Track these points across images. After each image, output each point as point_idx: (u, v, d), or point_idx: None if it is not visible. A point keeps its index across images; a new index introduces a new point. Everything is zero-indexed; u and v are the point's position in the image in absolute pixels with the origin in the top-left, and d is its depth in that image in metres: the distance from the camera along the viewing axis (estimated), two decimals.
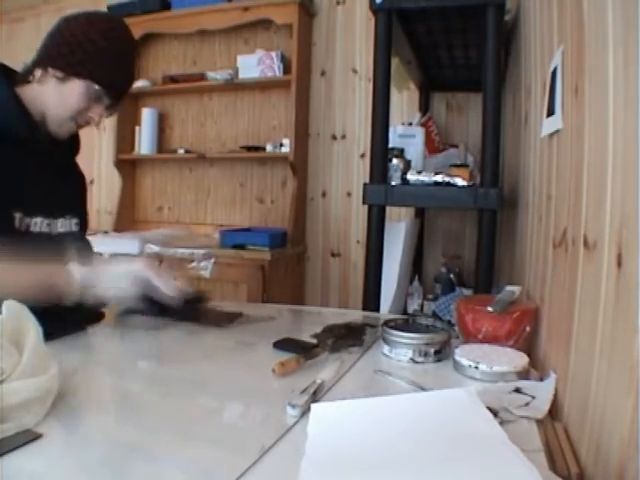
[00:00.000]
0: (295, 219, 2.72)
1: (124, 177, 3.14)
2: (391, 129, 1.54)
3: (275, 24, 2.74)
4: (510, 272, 1.58)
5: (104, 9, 3.02)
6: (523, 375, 0.81)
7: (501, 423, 0.61)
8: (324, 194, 2.84)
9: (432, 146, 2.33)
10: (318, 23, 2.81)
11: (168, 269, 1.18)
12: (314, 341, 0.97)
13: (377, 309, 1.41)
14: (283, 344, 0.96)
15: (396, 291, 1.93)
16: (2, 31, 3.50)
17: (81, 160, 1.24)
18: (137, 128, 3.07)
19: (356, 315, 1.30)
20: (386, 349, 0.93)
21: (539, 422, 0.68)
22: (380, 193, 1.38)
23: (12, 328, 0.64)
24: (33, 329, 0.66)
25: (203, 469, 0.55)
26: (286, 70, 2.71)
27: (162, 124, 3.14)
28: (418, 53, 1.94)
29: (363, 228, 2.46)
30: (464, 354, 0.85)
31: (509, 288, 1.06)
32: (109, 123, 3.12)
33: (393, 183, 1.43)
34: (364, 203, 1.41)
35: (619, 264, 0.55)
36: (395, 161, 1.45)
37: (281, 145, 2.74)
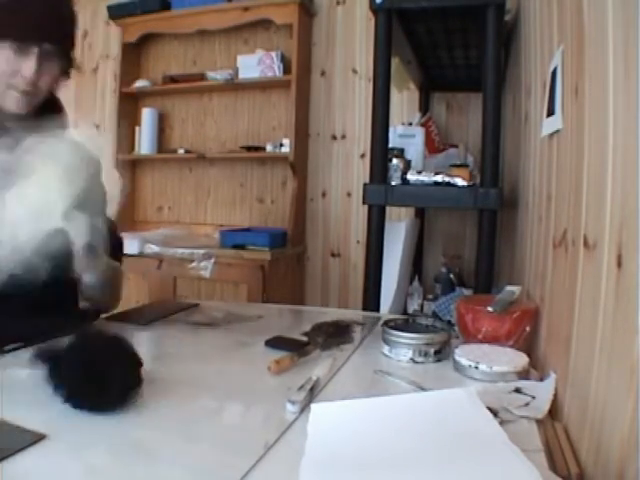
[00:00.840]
0: (295, 219, 2.72)
1: (124, 177, 3.13)
2: (391, 129, 1.54)
3: (275, 24, 2.74)
4: (510, 272, 1.58)
5: (104, 9, 3.02)
6: (523, 375, 0.81)
7: (501, 423, 0.61)
8: (324, 194, 2.84)
9: (432, 146, 2.33)
10: (318, 23, 2.81)
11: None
12: (305, 339, 0.98)
13: (377, 309, 1.41)
14: (275, 342, 0.96)
15: (396, 291, 1.93)
16: None
17: None
18: (137, 128, 3.07)
19: (339, 313, 1.34)
20: (386, 349, 0.93)
21: (539, 422, 0.68)
22: (380, 193, 1.38)
23: None
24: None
25: (207, 469, 0.55)
26: (286, 70, 2.71)
27: (162, 124, 3.14)
28: (418, 53, 1.94)
29: (363, 228, 2.46)
30: (464, 354, 0.85)
31: (509, 288, 1.06)
32: (109, 123, 3.13)
33: (393, 183, 1.43)
34: (364, 203, 1.41)
35: (619, 264, 0.55)
36: (395, 161, 1.45)
37: (281, 145, 2.74)
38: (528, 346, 0.96)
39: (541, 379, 0.83)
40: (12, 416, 0.62)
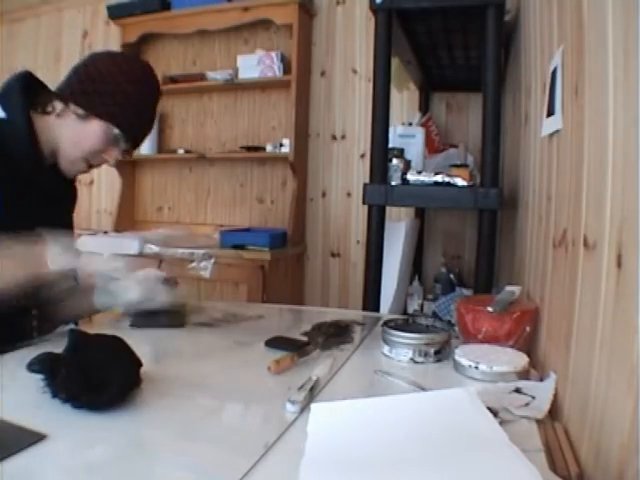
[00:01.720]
0: (295, 219, 2.72)
1: (124, 177, 3.13)
2: (391, 129, 1.53)
3: (275, 24, 2.74)
4: (510, 272, 1.58)
5: (104, 9, 3.02)
6: (523, 375, 0.81)
7: (501, 423, 0.61)
8: (324, 194, 2.84)
9: (432, 146, 2.33)
10: (318, 23, 2.81)
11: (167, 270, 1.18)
12: (305, 339, 0.98)
13: (377, 309, 1.41)
14: (275, 342, 0.96)
15: (396, 291, 1.93)
16: (2, 31, 3.50)
17: None
18: None
19: (338, 313, 1.34)
20: (386, 349, 0.93)
21: (539, 422, 0.68)
22: (380, 193, 1.38)
23: None
24: None
25: (208, 469, 0.55)
26: (286, 70, 2.71)
27: (162, 124, 3.13)
28: (418, 53, 1.94)
29: (363, 228, 2.45)
30: (464, 354, 0.85)
31: (509, 288, 1.06)
32: None
33: (393, 183, 1.43)
34: (364, 203, 1.41)
35: (619, 264, 0.55)
36: (395, 161, 1.45)
37: (281, 145, 2.74)
38: (528, 346, 0.96)
39: (541, 379, 0.83)
40: (12, 416, 0.62)
